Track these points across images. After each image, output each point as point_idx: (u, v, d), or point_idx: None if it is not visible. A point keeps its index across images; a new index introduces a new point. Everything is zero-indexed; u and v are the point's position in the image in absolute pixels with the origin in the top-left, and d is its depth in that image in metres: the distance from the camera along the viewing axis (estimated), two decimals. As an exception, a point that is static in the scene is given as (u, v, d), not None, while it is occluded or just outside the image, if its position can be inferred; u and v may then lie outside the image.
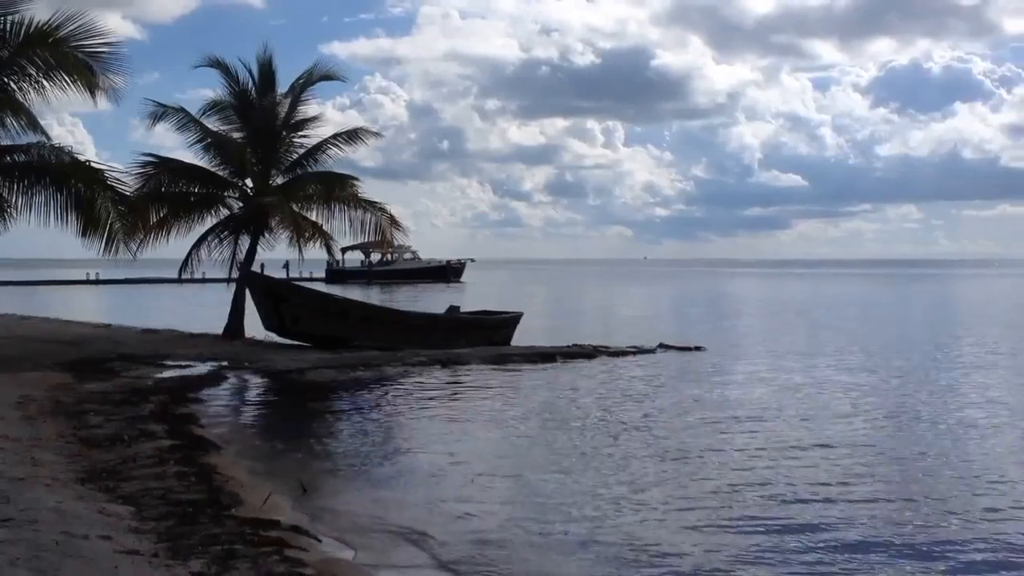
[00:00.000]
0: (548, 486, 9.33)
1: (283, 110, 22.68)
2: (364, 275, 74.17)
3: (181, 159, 22.69)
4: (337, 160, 23.35)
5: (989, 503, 8.71)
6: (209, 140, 22.27)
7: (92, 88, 16.90)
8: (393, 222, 23.33)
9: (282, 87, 22.86)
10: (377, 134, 25.54)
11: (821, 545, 7.42)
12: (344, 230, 22.80)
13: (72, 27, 16.46)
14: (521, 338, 22.85)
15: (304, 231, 21.67)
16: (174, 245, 22.35)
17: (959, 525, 7.97)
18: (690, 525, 7.94)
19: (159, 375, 16.37)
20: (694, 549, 7.30)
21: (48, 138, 17.98)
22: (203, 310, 32.27)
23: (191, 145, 22.41)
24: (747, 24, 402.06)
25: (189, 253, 22.62)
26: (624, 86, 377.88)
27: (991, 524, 8.01)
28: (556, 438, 11.95)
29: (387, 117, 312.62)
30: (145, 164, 21.45)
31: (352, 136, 23.36)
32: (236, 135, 22.69)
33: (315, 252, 22.94)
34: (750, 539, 7.56)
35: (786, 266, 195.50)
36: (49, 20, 16.41)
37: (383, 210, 23.00)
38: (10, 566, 5.25)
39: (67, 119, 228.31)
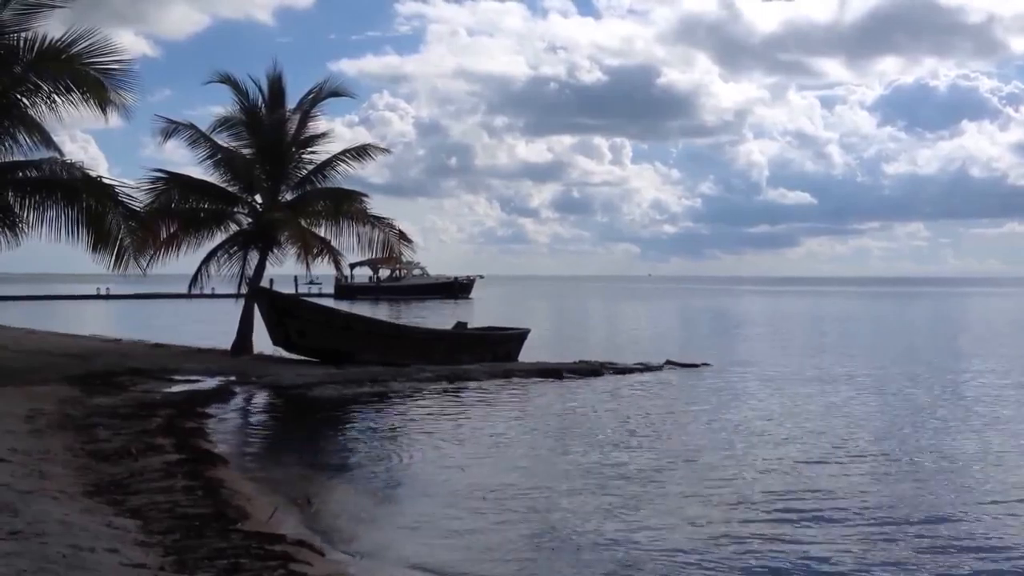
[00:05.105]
0: (557, 502, 9.33)
1: (292, 126, 22.84)
2: (372, 291, 74.41)
3: (191, 175, 22.90)
4: (345, 176, 23.51)
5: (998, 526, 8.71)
6: (219, 156, 22.43)
7: (104, 105, 17.02)
8: (402, 237, 23.45)
9: (291, 104, 23.09)
10: (385, 151, 25.82)
11: (825, 558, 7.43)
12: (352, 246, 22.94)
13: (85, 44, 16.57)
14: (528, 354, 22.86)
15: (312, 247, 21.79)
16: (184, 260, 22.51)
17: (965, 543, 7.96)
18: (697, 540, 7.93)
19: (167, 389, 16.40)
20: (700, 564, 7.30)
21: (61, 154, 18.13)
22: (212, 325, 32.35)
23: (201, 161, 22.65)
24: (753, 42, 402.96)
25: (198, 268, 22.72)
26: (631, 103, 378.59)
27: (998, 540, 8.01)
28: (564, 454, 11.97)
29: (395, 134, 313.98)
30: (155, 180, 21.62)
31: (360, 152, 23.50)
32: (246, 151, 22.83)
33: (324, 268, 23.11)
34: (754, 554, 7.56)
35: (793, 284, 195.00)
36: (62, 37, 16.54)
37: (391, 226, 23.12)
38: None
39: (79, 136, 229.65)
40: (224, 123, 22.78)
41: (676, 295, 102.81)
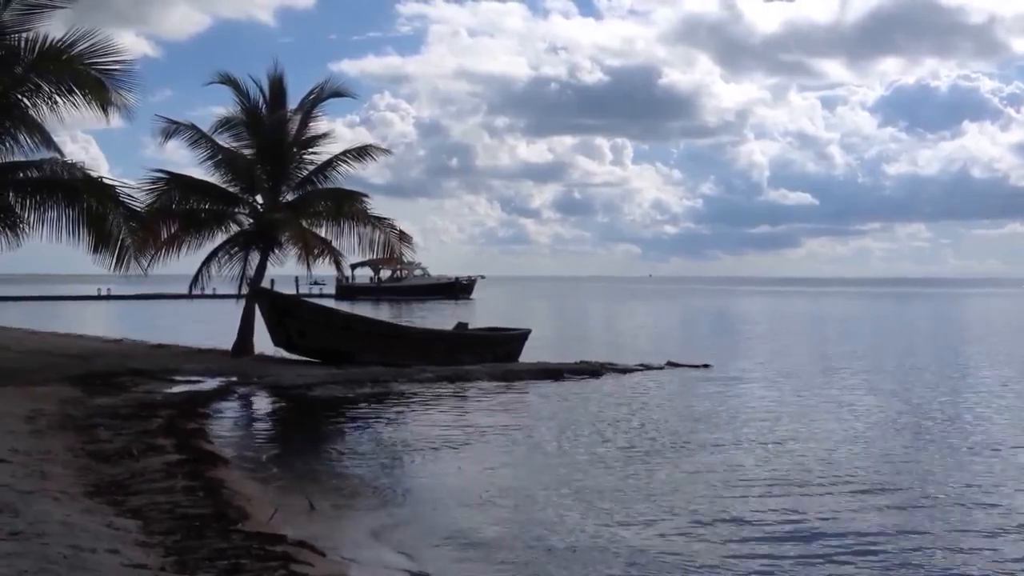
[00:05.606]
0: (557, 504, 9.31)
1: (293, 127, 22.85)
2: (374, 292, 74.47)
3: (192, 175, 22.91)
4: (346, 177, 23.53)
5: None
6: (220, 157, 22.45)
7: (105, 105, 17.02)
8: (402, 238, 23.46)
9: (292, 104, 23.11)
10: (386, 151, 25.82)
11: (825, 561, 7.42)
12: (353, 247, 22.95)
13: (86, 45, 16.57)
14: (528, 355, 22.87)
15: (313, 248, 21.80)
16: (185, 261, 22.52)
17: (963, 545, 7.96)
18: (698, 543, 7.93)
19: (168, 390, 16.42)
20: (701, 567, 7.30)
21: (62, 154, 18.13)
22: (213, 326, 32.37)
23: (202, 162, 22.67)
24: (754, 43, 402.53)
25: (199, 269, 22.74)
26: (632, 104, 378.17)
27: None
28: (564, 456, 11.95)
29: (396, 134, 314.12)
30: (156, 180, 21.63)
31: (361, 153, 23.52)
32: (247, 152, 22.85)
33: (324, 269, 23.13)
34: (755, 559, 7.56)
35: (794, 284, 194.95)
36: (63, 38, 16.55)
37: (392, 227, 23.13)
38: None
39: (80, 136, 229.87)
40: (225, 123, 22.82)
41: (677, 295, 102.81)
